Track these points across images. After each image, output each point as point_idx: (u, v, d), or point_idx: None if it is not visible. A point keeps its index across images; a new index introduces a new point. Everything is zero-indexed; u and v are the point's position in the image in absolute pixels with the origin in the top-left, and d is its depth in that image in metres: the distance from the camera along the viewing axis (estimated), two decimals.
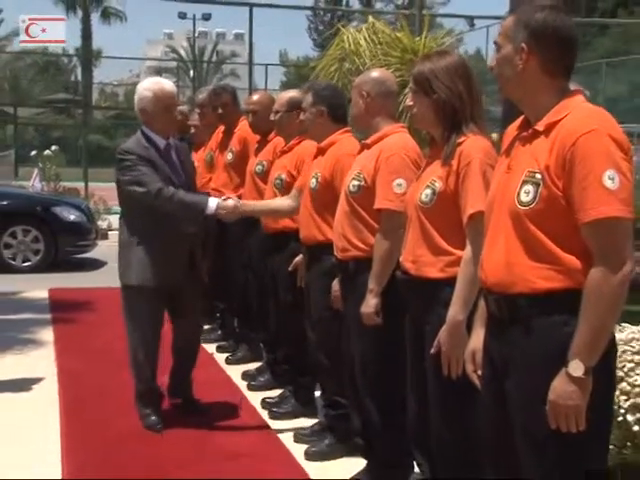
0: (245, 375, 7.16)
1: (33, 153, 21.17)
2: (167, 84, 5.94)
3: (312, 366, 5.87)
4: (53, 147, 20.72)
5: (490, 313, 3.28)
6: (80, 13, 44.78)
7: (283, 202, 5.77)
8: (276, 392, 6.54)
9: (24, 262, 12.68)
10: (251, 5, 19.99)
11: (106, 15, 45.89)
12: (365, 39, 8.63)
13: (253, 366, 7.30)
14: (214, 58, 49.08)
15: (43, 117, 35.13)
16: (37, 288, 11.04)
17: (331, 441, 5.53)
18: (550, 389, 2.94)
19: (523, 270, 3.04)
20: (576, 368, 2.88)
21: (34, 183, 18.59)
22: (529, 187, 3.01)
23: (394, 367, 4.42)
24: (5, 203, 12.81)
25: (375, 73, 5.02)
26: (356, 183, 4.71)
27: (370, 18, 9.38)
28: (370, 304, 4.50)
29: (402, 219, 4.21)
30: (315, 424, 5.86)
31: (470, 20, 24.96)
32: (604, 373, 3.00)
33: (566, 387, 2.90)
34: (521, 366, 3.09)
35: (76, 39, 47.15)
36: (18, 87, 39.55)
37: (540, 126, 3.06)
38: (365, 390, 4.76)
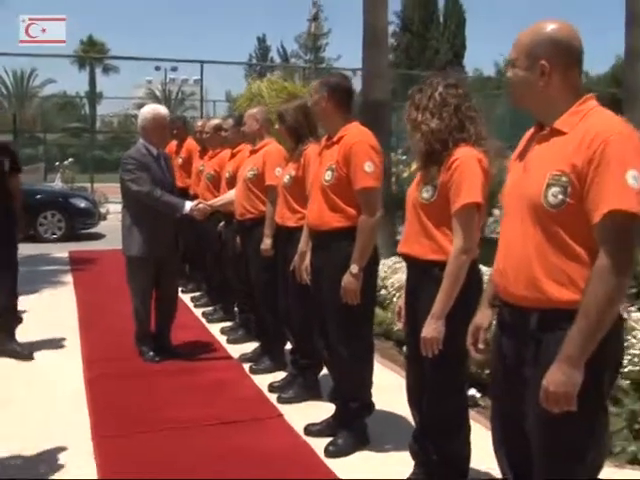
0: (203, 314, 7.00)
1: (57, 164, 21.21)
2: (162, 109, 5.57)
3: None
4: (70, 159, 20.82)
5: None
6: (88, 68, 44.26)
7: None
8: (228, 324, 6.47)
9: (52, 235, 12.75)
10: (202, 62, 20.33)
11: (105, 69, 45.63)
12: (265, 87, 9.17)
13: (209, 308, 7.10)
14: (180, 96, 48.71)
15: (63, 139, 34.65)
16: (61, 251, 11.25)
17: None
18: (342, 280, 3.61)
19: (327, 218, 3.70)
20: (354, 268, 3.57)
21: (57, 183, 18.72)
22: (329, 172, 3.68)
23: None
24: (39, 196, 12.82)
25: (256, 109, 5.54)
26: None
27: (271, 72, 9.91)
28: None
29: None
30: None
31: (354, 72, 25.24)
32: (369, 271, 3.65)
33: (349, 278, 3.59)
34: (327, 269, 3.76)
35: (85, 85, 47.17)
36: (46, 119, 39.10)
37: (335, 139, 3.72)
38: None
